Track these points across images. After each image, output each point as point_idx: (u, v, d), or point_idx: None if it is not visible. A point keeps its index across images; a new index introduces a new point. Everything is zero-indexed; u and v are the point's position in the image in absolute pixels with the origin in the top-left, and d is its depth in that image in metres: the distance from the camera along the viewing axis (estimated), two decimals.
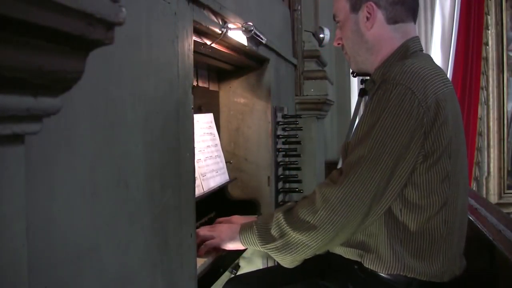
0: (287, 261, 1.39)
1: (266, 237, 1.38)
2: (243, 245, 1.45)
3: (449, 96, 1.33)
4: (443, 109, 1.28)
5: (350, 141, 1.36)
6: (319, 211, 1.29)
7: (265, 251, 1.40)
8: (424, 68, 1.32)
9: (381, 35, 1.45)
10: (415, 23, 1.50)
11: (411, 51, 1.43)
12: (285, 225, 1.34)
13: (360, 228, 1.32)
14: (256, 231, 1.40)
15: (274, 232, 1.37)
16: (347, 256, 1.40)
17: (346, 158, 1.36)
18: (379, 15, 1.45)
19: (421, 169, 1.29)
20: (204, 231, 1.48)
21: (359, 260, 1.38)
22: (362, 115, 1.34)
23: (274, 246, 1.37)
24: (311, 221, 1.30)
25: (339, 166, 1.60)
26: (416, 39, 1.47)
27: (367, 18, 1.45)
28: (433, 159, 1.28)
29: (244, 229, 1.44)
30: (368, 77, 1.57)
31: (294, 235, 1.33)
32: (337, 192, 1.27)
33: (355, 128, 1.35)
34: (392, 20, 1.45)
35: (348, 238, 1.36)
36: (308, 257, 1.38)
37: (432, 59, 1.50)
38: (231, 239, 1.45)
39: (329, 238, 1.30)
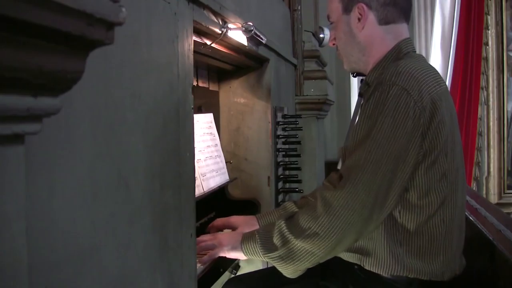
0: (290, 270, 1.36)
1: (268, 246, 1.35)
2: (245, 255, 1.41)
3: (443, 96, 1.34)
4: (438, 108, 1.28)
5: (348, 144, 1.35)
6: (321, 217, 1.26)
7: (268, 260, 1.38)
8: (417, 69, 1.32)
9: (373, 36, 1.46)
10: (407, 23, 1.51)
11: (404, 52, 1.44)
12: (288, 232, 1.32)
13: (364, 234, 1.29)
14: (258, 240, 1.37)
15: (276, 240, 1.34)
16: (346, 259, 1.40)
17: (344, 161, 1.36)
18: (371, 16, 1.45)
19: (420, 169, 1.29)
20: (204, 241, 1.46)
21: (358, 263, 1.38)
22: (359, 117, 1.33)
23: (277, 255, 1.34)
24: (313, 227, 1.28)
25: (339, 167, 1.59)
26: (409, 41, 1.48)
27: (359, 19, 1.46)
28: (431, 158, 1.28)
29: (246, 239, 1.41)
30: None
31: (296, 243, 1.30)
32: (339, 196, 1.25)
33: (352, 131, 1.34)
34: (384, 21, 1.45)
35: (352, 244, 1.34)
36: (311, 266, 1.35)
37: (425, 59, 1.50)
38: (233, 248, 1.42)
39: (332, 244, 1.27)
